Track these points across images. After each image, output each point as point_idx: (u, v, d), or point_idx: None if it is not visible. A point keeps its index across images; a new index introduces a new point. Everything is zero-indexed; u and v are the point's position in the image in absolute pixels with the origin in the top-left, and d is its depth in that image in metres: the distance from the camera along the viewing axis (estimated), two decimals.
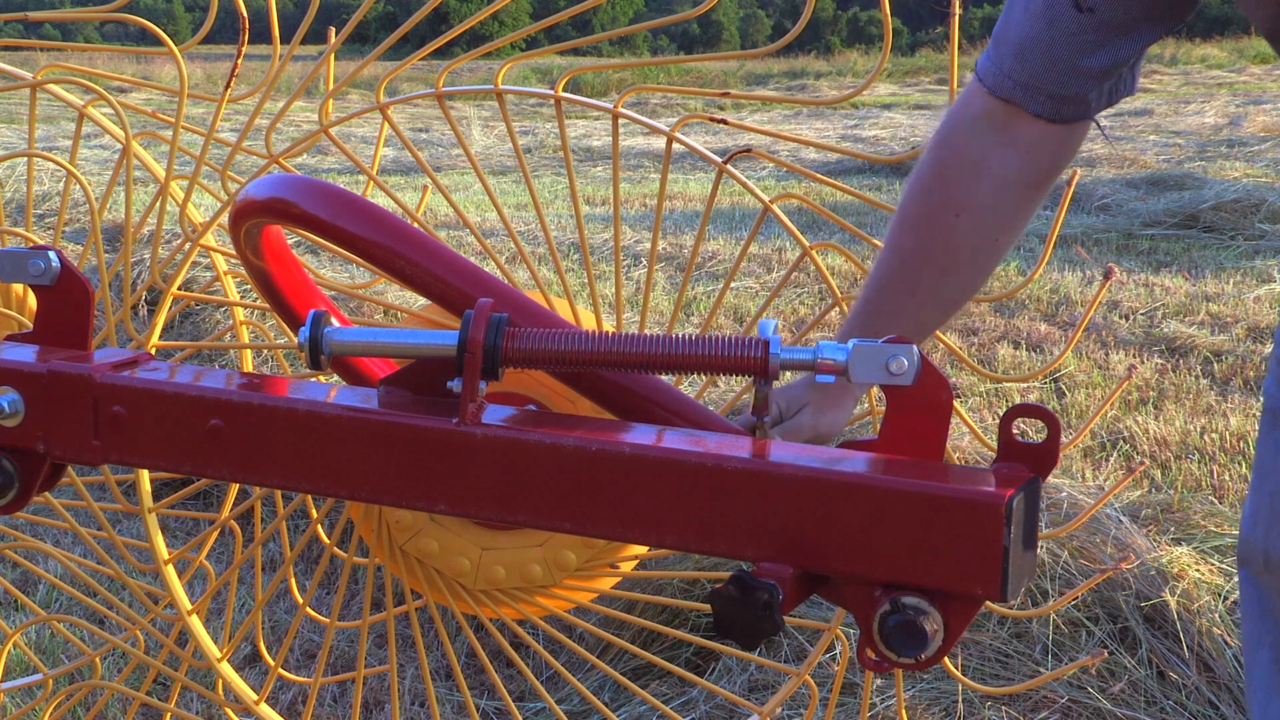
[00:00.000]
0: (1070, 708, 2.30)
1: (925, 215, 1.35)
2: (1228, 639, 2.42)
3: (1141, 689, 2.34)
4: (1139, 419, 4.19)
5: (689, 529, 0.95)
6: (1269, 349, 3.48)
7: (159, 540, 1.80)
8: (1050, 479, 2.63)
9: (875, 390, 1.59)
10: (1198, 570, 2.58)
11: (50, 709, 2.03)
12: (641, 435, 0.99)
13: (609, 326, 1.60)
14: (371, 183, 1.73)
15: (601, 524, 0.98)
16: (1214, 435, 4.04)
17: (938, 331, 1.43)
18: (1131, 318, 5.64)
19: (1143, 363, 4.92)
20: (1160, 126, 14.56)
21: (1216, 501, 3.30)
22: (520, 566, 1.61)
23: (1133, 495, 3.21)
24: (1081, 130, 1.32)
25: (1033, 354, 5.12)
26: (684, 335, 1.02)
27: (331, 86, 1.67)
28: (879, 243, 1.42)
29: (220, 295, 1.88)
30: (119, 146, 1.74)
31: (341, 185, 1.29)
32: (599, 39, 1.60)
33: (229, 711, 1.94)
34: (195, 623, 1.82)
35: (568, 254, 6.96)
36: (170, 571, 1.81)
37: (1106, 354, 5.07)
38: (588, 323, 1.62)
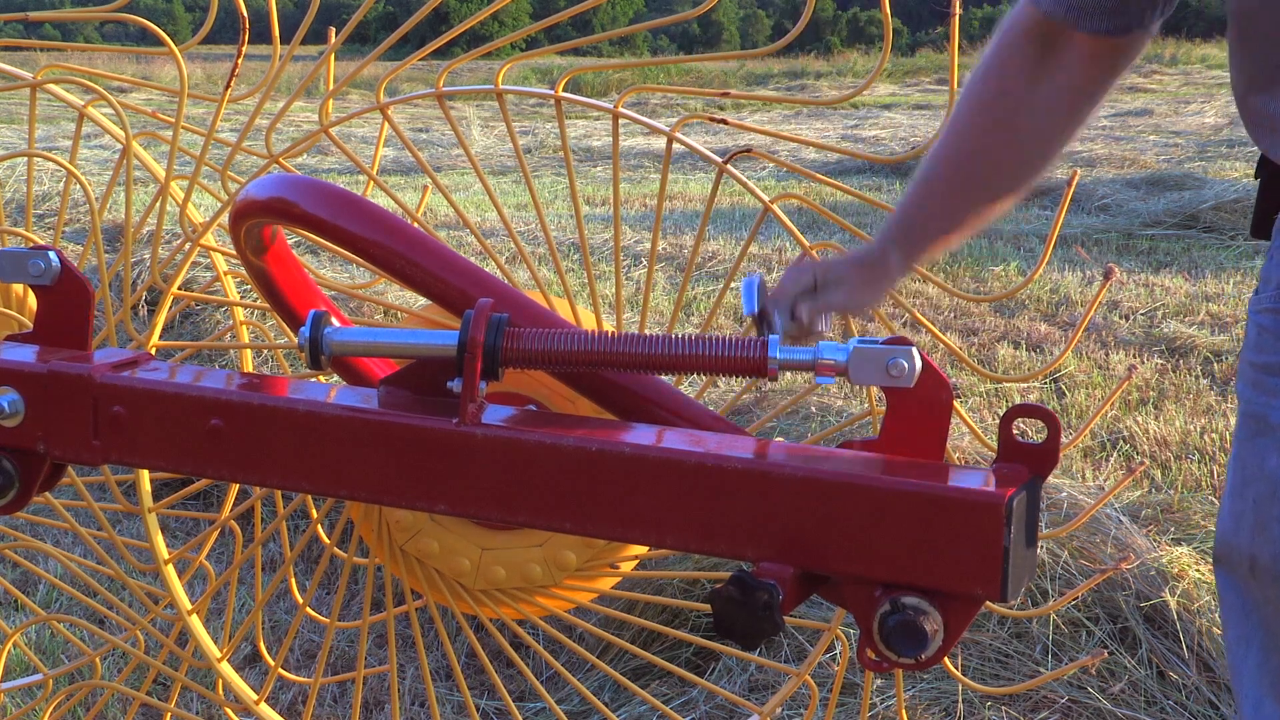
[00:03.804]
0: (1070, 708, 2.30)
1: (981, 120, 1.34)
2: None
3: (1141, 689, 2.34)
4: (1139, 419, 4.19)
5: (689, 529, 0.95)
6: None
7: (159, 540, 1.80)
8: (1050, 479, 2.62)
9: (875, 390, 1.59)
10: (1198, 570, 2.58)
11: (50, 709, 2.03)
12: (641, 435, 0.99)
13: (609, 326, 1.60)
14: (371, 183, 1.73)
15: (601, 524, 0.98)
16: (1214, 435, 4.04)
17: (937, 331, 1.43)
18: (1131, 318, 5.64)
19: (1143, 363, 4.92)
20: (1160, 126, 14.56)
21: (1216, 501, 3.30)
22: (520, 566, 1.61)
23: (1133, 495, 3.21)
24: (1140, 40, 1.30)
25: (1033, 354, 5.12)
26: (683, 335, 1.02)
27: (331, 86, 1.67)
28: None
29: (220, 295, 1.88)
30: (119, 146, 1.74)
31: (341, 185, 1.30)
32: (599, 39, 1.60)
33: (229, 711, 1.94)
34: (195, 623, 1.82)
35: (568, 254, 6.96)
36: (170, 571, 1.81)
37: (1106, 354, 5.07)
38: (588, 323, 1.62)
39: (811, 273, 1.31)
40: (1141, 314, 5.68)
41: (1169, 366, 4.89)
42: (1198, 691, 2.34)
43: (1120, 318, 5.64)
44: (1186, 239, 7.56)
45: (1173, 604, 2.46)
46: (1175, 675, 2.36)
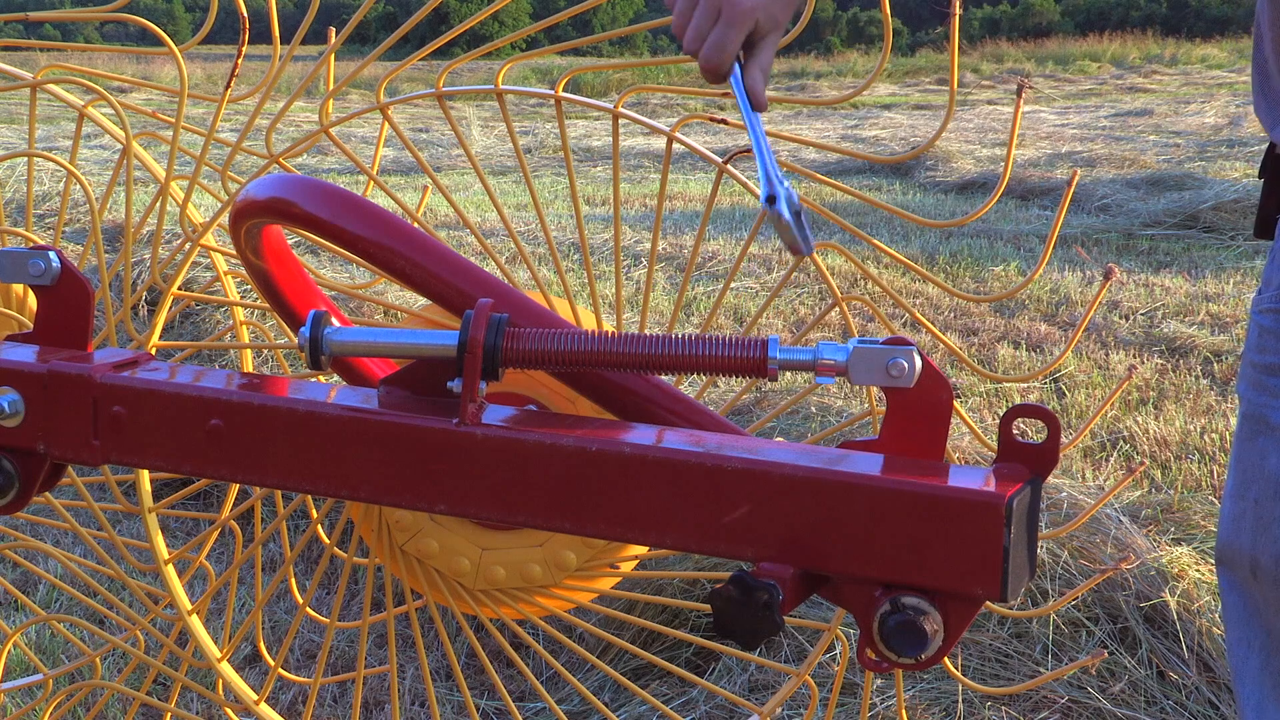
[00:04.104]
0: (1070, 708, 2.29)
1: None
2: None
3: (1141, 689, 2.34)
4: (1139, 419, 4.19)
5: (689, 529, 0.95)
6: None
7: (159, 540, 1.80)
8: (1050, 479, 2.62)
9: (875, 390, 1.59)
10: (1198, 570, 2.58)
11: (50, 709, 2.03)
12: (641, 435, 0.99)
13: (609, 326, 1.60)
14: (371, 183, 1.73)
15: (601, 524, 0.98)
16: (1214, 435, 4.04)
17: (937, 331, 1.43)
18: (1131, 318, 5.64)
19: (1143, 363, 4.92)
20: (1160, 126, 14.57)
21: (1216, 501, 3.30)
22: (520, 566, 1.61)
23: (1133, 495, 3.21)
24: None
25: (1033, 354, 5.12)
26: (684, 336, 1.02)
27: (331, 86, 1.67)
28: (879, 243, 1.42)
29: (220, 295, 1.88)
30: (119, 146, 1.74)
31: (341, 185, 1.29)
32: (599, 39, 1.60)
33: (229, 711, 1.93)
34: (195, 623, 1.82)
35: (568, 254, 6.96)
36: (170, 571, 1.81)
37: (1106, 354, 5.07)
38: (588, 323, 1.62)
39: (754, 19, 1.28)
40: (1141, 314, 5.68)
41: (1169, 366, 4.89)
42: (1198, 691, 2.34)
43: (1120, 318, 5.64)
44: (1186, 239, 7.56)
45: (1173, 604, 2.46)
46: (1175, 675, 2.36)
